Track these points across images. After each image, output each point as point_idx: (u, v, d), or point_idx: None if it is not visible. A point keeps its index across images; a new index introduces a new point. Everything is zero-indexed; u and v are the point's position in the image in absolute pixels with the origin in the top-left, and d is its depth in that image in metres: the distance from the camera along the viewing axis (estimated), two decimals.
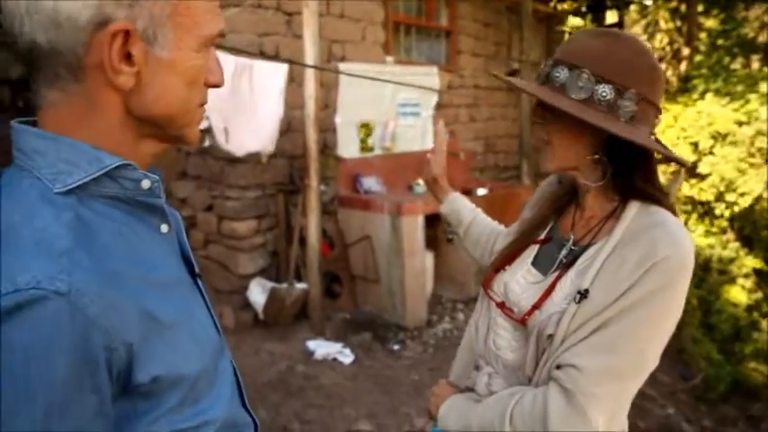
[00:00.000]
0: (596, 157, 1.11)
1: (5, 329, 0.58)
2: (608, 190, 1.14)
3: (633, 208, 1.10)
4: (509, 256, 1.26)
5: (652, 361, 1.05)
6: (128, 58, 0.69)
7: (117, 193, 0.73)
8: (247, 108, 4.20)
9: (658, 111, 1.12)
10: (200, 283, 0.88)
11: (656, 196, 1.10)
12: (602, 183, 1.13)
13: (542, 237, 1.25)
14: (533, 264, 1.22)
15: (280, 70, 4.32)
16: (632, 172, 1.10)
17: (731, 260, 7.22)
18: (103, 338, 0.63)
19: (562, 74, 1.07)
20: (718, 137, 6.47)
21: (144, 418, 0.70)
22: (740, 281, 7.22)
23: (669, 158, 1.13)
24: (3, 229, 0.64)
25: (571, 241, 1.18)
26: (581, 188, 1.19)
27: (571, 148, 1.12)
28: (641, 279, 1.01)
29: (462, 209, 1.59)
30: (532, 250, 1.24)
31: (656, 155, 1.13)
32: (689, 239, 1.06)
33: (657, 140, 1.13)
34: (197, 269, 0.88)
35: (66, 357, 0.60)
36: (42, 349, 0.59)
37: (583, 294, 1.05)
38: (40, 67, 0.69)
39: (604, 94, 1.05)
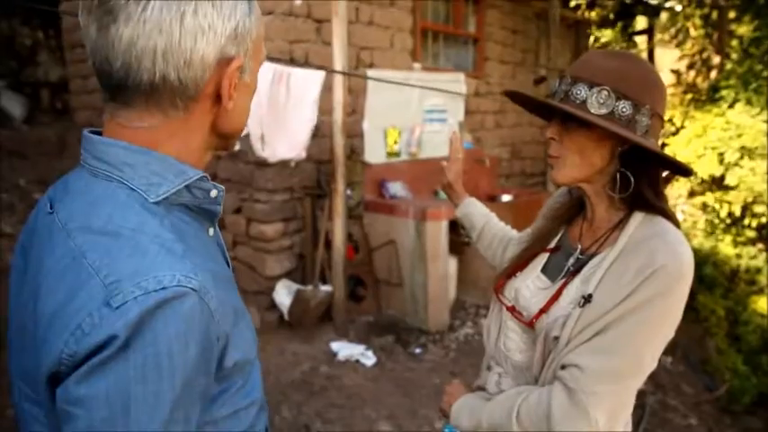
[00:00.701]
0: (620, 170, 1.17)
1: (155, 320, 0.67)
2: (615, 201, 1.21)
3: (637, 219, 1.17)
4: (520, 264, 1.34)
5: (649, 363, 1.11)
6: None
7: (189, 201, 0.82)
8: (281, 115, 4.29)
9: (663, 123, 1.19)
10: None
11: (661, 207, 1.17)
12: (613, 194, 1.19)
13: (552, 246, 1.33)
14: (543, 271, 1.30)
15: (316, 77, 4.39)
16: (642, 184, 1.17)
17: (759, 270, 7.12)
18: (217, 329, 0.73)
19: (583, 91, 1.13)
20: (746, 150, 6.36)
21: (218, 400, 0.79)
22: None
23: (678, 169, 1.19)
24: (127, 235, 0.72)
25: (578, 250, 1.25)
26: (589, 200, 1.25)
27: (585, 161, 1.18)
28: (640, 286, 1.08)
29: (475, 213, 1.68)
30: (542, 258, 1.32)
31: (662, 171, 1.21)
32: (688, 250, 1.12)
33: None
34: (231, 268, 0.96)
35: (196, 344, 0.69)
36: (183, 336, 0.68)
37: (587, 299, 1.12)
38: (156, 97, 0.77)
39: (624, 109, 1.12)
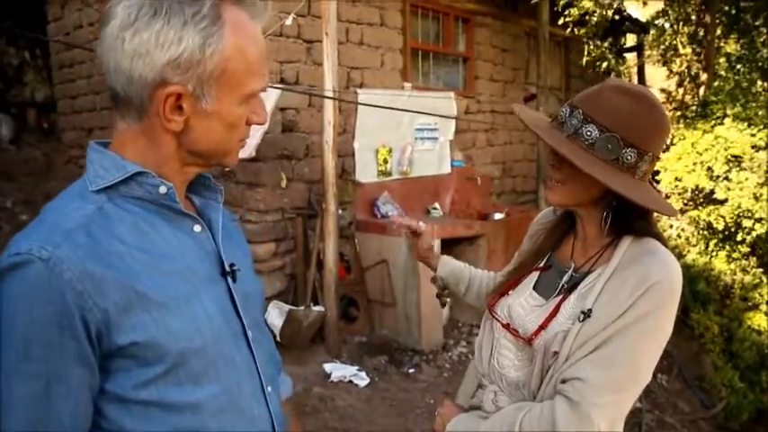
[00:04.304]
0: (611, 205, 1.22)
1: (5, 279, 0.81)
2: (605, 226, 1.25)
3: (628, 239, 1.22)
4: (512, 282, 1.38)
5: (646, 374, 1.16)
6: (179, 108, 0.89)
7: (143, 195, 0.91)
8: None
9: (657, 161, 1.25)
10: (229, 280, 0.98)
11: (649, 230, 1.22)
12: (604, 224, 1.24)
13: (542, 265, 1.36)
14: (534, 289, 1.33)
15: (272, 93, 4.36)
16: (631, 216, 1.21)
17: (754, 286, 7.09)
18: (77, 298, 0.81)
19: (593, 133, 1.16)
20: (734, 162, 6.37)
21: (132, 376, 0.86)
22: (764, 308, 7.09)
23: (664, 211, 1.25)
24: (47, 213, 0.88)
25: (572, 268, 1.29)
26: (582, 221, 1.29)
27: (583, 191, 1.23)
28: (638, 301, 1.13)
29: (458, 268, 1.72)
30: (533, 277, 1.35)
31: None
32: (678, 267, 1.18)
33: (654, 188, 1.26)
34: (227, 268, 1.00)
35: (41, 306, 0.80)
36: (25, 297, 0.80)
37: (586, 314, 1.16)
38: (118, 105, 0.91)
39: (629, 157, 1.17)
